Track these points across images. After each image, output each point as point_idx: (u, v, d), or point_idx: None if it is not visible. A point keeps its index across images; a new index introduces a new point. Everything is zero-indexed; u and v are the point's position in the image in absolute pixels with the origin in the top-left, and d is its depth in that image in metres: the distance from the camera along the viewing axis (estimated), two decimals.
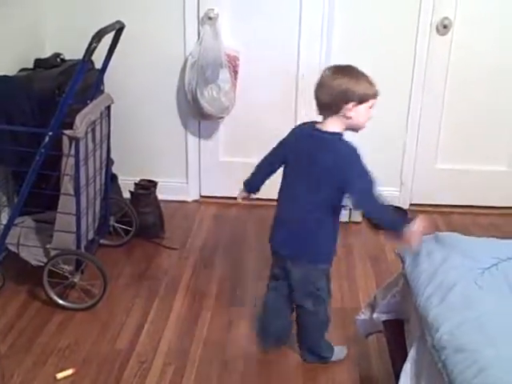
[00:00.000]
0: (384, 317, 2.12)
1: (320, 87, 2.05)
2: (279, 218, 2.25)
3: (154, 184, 3.30)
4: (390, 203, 2.15)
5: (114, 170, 3.29)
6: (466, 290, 1.74)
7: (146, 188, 3.27)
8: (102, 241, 3.07)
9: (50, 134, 2.49)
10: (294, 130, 2.26)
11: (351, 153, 2.07)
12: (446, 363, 1.49)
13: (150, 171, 3.52)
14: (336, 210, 2.20)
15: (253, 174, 2.38)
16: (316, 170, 2.07)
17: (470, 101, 3.49)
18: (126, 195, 3.31)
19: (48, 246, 2.64)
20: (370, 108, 2.06)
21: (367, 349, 2.44)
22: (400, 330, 2.03)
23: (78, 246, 2.62)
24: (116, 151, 3.20)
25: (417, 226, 2.01)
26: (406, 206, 3.65)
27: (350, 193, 2.06)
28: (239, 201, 2.43)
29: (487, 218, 3.60)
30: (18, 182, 2.77)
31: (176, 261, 3.08)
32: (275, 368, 2.35)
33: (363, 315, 2.26)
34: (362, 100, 2.02)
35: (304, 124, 2.21)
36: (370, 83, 2.05)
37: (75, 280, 2.66)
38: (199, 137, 3.66)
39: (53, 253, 2.62)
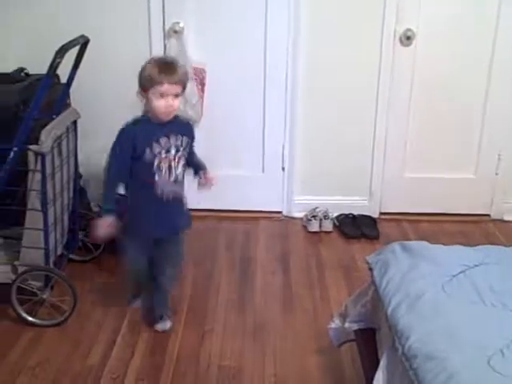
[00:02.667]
0: (355, 326, 2.12)
1: None
2: None
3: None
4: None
5: (83, 183, 3.26)
6: (435, 298, 1.76)
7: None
8: (71, 256, 3.04)
9: (15, 149, 2.46)
10: None
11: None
12: (417, 371, 1.50)
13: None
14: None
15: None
16: None
17: (435, 110, 3.55)
18: (96, 209, 3.27)
19: (16, 263, 2.60)
20: (161, 96, 2.22)
21: (340, 358, 2.44)
22: (372, 339, 2.04)
23: (47, 262, 2.59)
24: (85, 165, 3.17)
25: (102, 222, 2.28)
26: (375, 215, 3.69)
27: None
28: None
29: (455, 226, 3.65)
30: None
31: None
32: (248, 378, 2.35)
33: (334, 324, 2.26)
34: (144, 86, 2.26)
35: None
36: (159, 71, 2.21)
37: (44, 296, 2.62)
38: None
39: (21, 269, 2.58)
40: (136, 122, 2.33)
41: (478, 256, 1.98)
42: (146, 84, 2.24)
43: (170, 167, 2.33)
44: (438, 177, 3.69)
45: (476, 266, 1.91)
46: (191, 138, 2.42)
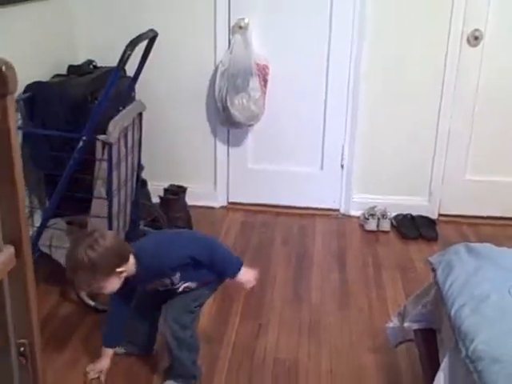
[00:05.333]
0: (415, 326, 2.10)
1: None
2: None
3: (183, 189, 3.33)
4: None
5: (144, 175, 3.33)
6: (501, 301, 1.73)
7: (175, 193, 3.31)
8: None
9: (84, 138, 2.53)
10: None
11: None
12: (482, 374, 1.48)
13: (179, 177, 3.56)
14: None
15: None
16: None
17: (500, 112, 3.48)
18: (156, 200, 3.35)
19: None
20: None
21: (396, 358, 2.43)
22: (431, 339, 2.02)
23: None
24: (146, 157, 3.23)
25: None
26: (434, 217, 3.64)
27: None
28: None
29: None
30: (51, 185, 2.81)
31: None
32: (303, 372, 2.36)
33: (392, 323, 2.25)
34: None
35: None
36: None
37: None
38: (228, 144, 3.69)
39: None
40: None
41: None
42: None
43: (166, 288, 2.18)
44: (500, 180, 3.61)
45: None
46: (170, 275, 2.13)
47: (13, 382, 1.27)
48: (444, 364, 1.73)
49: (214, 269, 2.14)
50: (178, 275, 2.11)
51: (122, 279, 2.04)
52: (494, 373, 1.46)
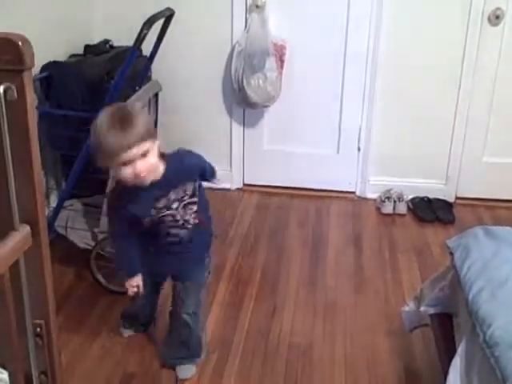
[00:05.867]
0: (431, 310, 2.08)
1: None
2: None
3: None
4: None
5: None
6: None
7: None
8: None
9: None
10: None
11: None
12: (499, 359, 1.47)
13: None
14: None
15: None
16: None
17: None
18: None
19: (95, 230, 2.68)
20: (125, 165, 1.78)
21: (411, 342, 2.42)
22: (448, 324, 2.00)
23: None
24: (161, 137, 3.20)
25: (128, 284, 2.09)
26: (451, 200, 3.60)
27: None
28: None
29: None
30: (67, 166, 2.82)
31: (219, 248, 3.09)
32: (318, 356, 2.35)
33: (408, 307, 2.23)
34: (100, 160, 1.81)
35: None
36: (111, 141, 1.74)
37: None
38: (244, 125, 3.66)
39: (100, 236, 2.66)
40: (120, 196, 1.96)
41: None
42: (101, 158, 1.80)
43: (174, 219, 2.00)
44: None
45: None
46: (194, 179, 2.01)
47: (29, 362, 1.28)
48: (461, 349, 1.72)
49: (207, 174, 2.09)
50: (196, 184, 2.00)
51: (154, 166, 1.85)
52: (510, 358, 1.44)
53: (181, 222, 2.00)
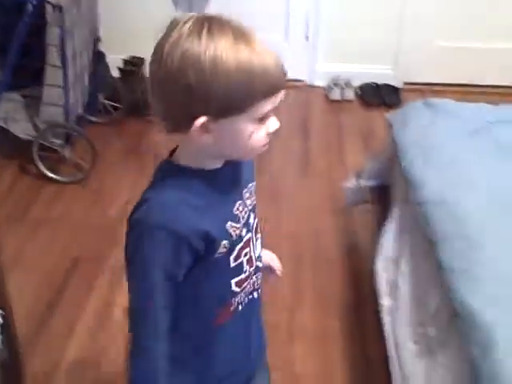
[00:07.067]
0: (371, 182, 2.13)
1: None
2: None
3: (142, 61, 3.22)
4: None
5: (102, 47, 3.20)
6: (454, 151, 1.74)
7: (134, 65, 3.21)
8: (91, 118, 3.05)
9: (34, 2, 2.42)
10: None
11: (137, 222, 1.03)
12: (428, 216, 1.52)
13: (138, 49, 3.41)
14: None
15: None
16: None
17: None
18: (116, 74, 3.24)
19: (36, 120, 2.62)
20: (262, 120, 0.99)
21: (353, 220, 2.48)
22: (387, 196, 2.05)
23: (67, 119, 2.60)
24: (104, 28, 3.09)
25: None
26: (399, 85, 3.58)
27: None
28: None
29: (482, 98, 3.51)
30: (2, 55, 2.71)
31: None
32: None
33: (350, 183, 2.26)
34: (230, 107, 0.94)
35: None
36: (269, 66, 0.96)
37: (65, 154, 2.66)
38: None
39: (42, 126, 2.60)
40: (184, 196, 1.00)
41: (502, 112, 1.94)
42: (235, 103, 0.94)
43: (249, 255, 1.11)
44: (468, 46, 3.51)
45: (500, 121, 1.87)
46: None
47: None
48: (395, 213, 1.77)
49: None
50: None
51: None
52: (438, 214, 1.49)
53: (254, 258, 1.13)
